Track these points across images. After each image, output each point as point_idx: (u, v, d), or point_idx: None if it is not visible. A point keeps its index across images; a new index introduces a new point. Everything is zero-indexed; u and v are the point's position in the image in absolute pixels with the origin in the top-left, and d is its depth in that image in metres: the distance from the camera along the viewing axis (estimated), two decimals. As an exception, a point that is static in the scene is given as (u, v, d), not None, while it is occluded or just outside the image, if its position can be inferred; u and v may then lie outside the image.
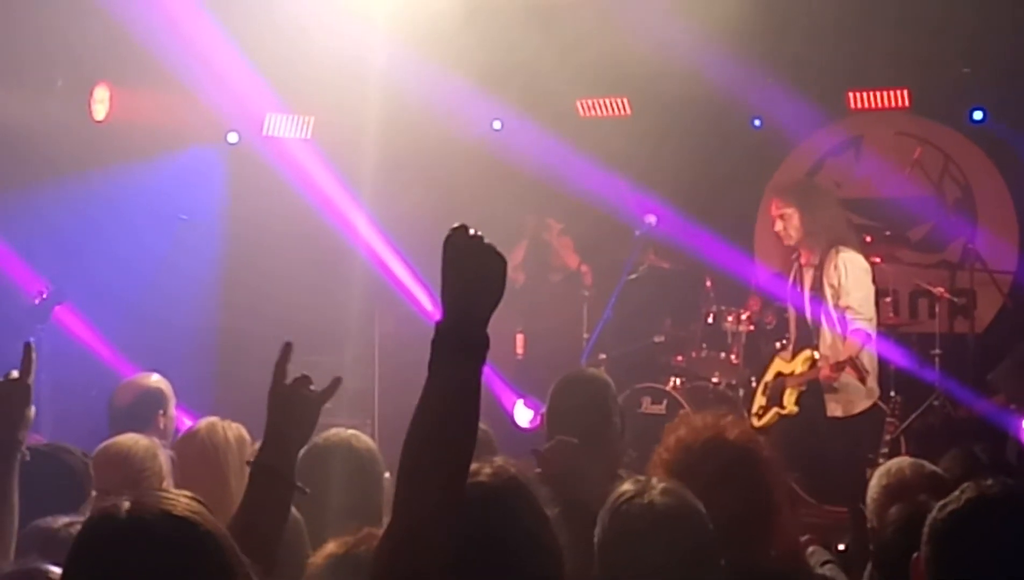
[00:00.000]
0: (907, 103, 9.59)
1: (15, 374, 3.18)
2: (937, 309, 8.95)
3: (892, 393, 8.18)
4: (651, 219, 8.00)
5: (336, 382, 2.82)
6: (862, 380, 7.82)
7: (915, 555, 2.54)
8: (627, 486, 2.95)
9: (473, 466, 2.50)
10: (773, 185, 8.06)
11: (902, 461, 4.07)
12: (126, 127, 9.22)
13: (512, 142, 9.53)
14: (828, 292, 7.97)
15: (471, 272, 2.27)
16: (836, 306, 7.93)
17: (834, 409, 8.03)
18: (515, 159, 9.35)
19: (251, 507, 2.66)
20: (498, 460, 2.57)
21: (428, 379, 2.27)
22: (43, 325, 7.32)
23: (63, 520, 3.15)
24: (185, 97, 9.02)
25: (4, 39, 8.01)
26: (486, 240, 2.29)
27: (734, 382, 8.76)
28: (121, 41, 8.25)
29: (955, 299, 9.04)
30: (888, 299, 9.02)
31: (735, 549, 3.13)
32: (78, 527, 3.04)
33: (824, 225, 8.02)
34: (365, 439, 4.00)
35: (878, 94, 9.61)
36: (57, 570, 2.61)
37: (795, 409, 8.02)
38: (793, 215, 7.98)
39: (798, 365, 8.11)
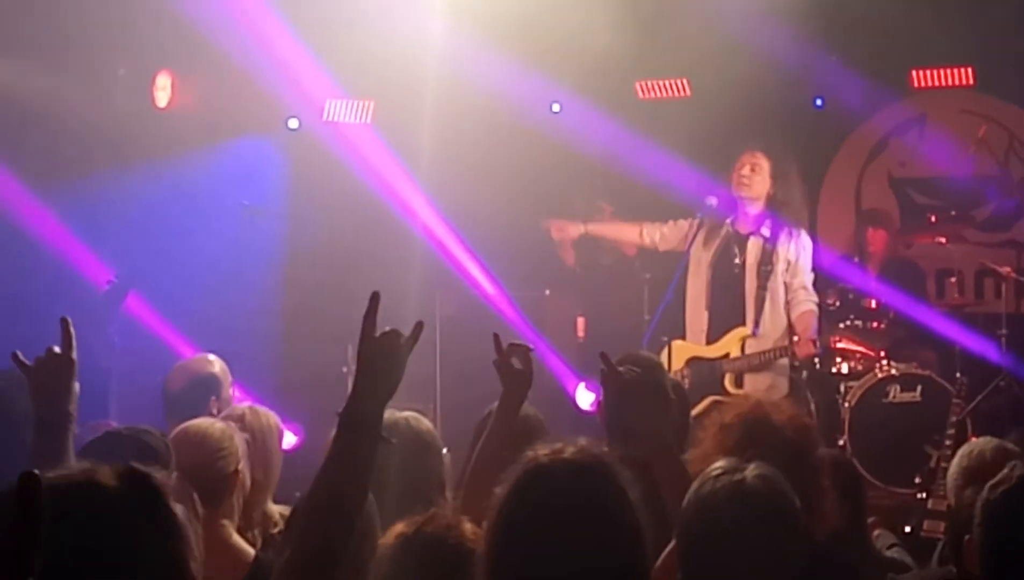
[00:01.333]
0: (971, 81, 9.49)
1: (56, 349, 3.20)
2: (1003, 289, 8.85)
3: (958, 374, 8.10)
4: (712, 201, 7.90)
5: (419, 327, 2.84)
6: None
7: (967, 537, 2.52)
8: (721, 462, 2.95)
9: (556, 446, 2.54)
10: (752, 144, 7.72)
11: (984, 443, 4.02)
12: (188, 114, 9.30)
13: (571, 125, 9.51)
14: (780, 267, 7.51)
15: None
16: (788, 283, 7.52)
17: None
18: (574, 142, 9.33)
19: (337, 460, 2.66)
20: (581, 440, 2.58)
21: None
22: (116, 312, 7.41)
23: None
24: (246, 84, 9.07)
25: (67, 30, 8.10)
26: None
27: (796, 363, 8.68)
28: (182, 29, 8.32)
29: (1022, 278, 8.93)
30: (953, 279, 8.94)
31: None
32: None
33: (790, 197, 7.59)
34: (424, 421, 4.02)
35: (942, 72, 9.52)
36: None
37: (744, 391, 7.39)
38: (765, 166, 7.55)
39: (731, 346, 7.54)
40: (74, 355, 3.20)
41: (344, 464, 2.64)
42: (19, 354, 3.23)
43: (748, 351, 7.54)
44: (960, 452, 3.99)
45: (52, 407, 3.17)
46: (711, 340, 7.63)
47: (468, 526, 2.98)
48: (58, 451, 3.11)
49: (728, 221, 7.67)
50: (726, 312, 7.60)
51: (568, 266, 10.03)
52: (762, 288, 7.52)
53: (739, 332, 7.57)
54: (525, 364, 3.87)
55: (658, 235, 8.02)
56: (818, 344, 7.53)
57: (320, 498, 2.62)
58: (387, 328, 2.82)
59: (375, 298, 2.82)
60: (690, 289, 7.69)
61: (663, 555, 2.85)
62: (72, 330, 3.21)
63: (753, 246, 7.60)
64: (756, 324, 7.52)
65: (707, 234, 7.68)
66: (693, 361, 7.62)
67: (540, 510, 2.47)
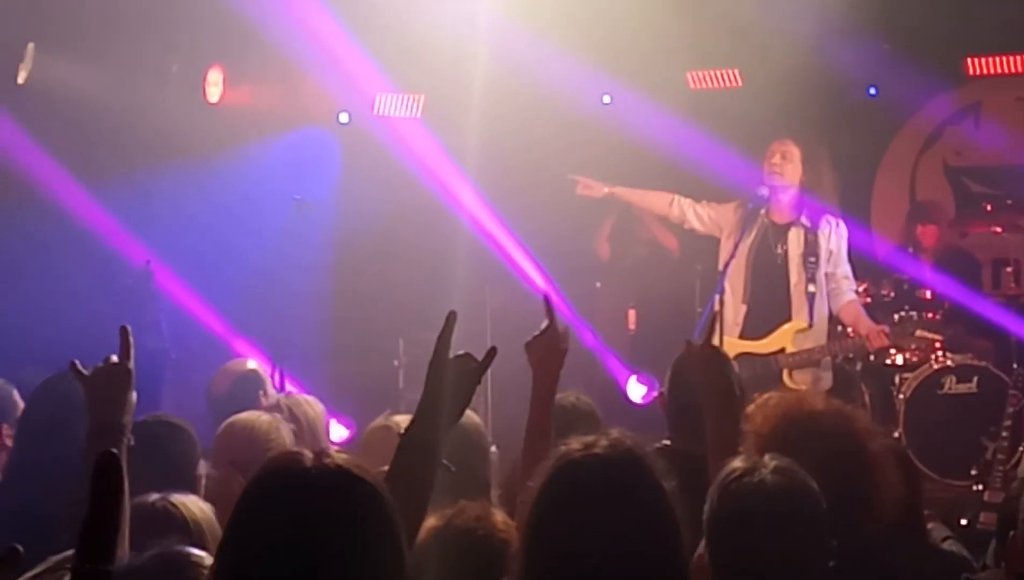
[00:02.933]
0: (1027, 68, 9.41)
1: (115, 358, 3.13)
2: (1061, 279, 8.77)
3: (1014, 365, 8.00)
4: (764, 191, 7.83)
5: (492, 353, 2.81)
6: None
7: (1012, 534, 2.47)
8: (737, 463, 2.89)
9: (589, 438, 2.52)
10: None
11: None
12: (240, 109, 9.34)
13: (622, 116, 9.47)
14: (823, 257, 7.38)
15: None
16: (830, 274, 7.40)
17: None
18: (626, 134, 9.29)
19: (395, 481, 2.62)
20: (614, 432, 2.57)
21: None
22: (147, 293, 7.48)
23: (155, 496, 3.18)
24: (297, 78, 9.11)
25: (119, 26, 8.15)
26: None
27: (851, 355, 8.62)
28: (234, 24, 8.35)
29: (1079, 268, 8.84)
30: (1010, 269, 8.86)
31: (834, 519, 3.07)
32: (170, 502, 3.10)
33: (819, 179, 7.48)
34: (470, 414, 4.01)
35: (997, 60, 9.43)
36: (199, 552, 2.65)
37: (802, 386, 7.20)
38: (796, 153, 7.42)
39: (784, 341, 7.37)
40: (131, 365, 3.12)
41: (401, 488, 2.60)
42: (77, 363, 3.16)
43: (802, 345, 7.43)
44: None
45: (106, 417, 3.08)
46: (751, 334, 7.46)
47: (499, 517, 2.97)
48: None
49: (763, 211, 7.52)
50: (767, 305, 7.45)
51: (605, 259, 10.02)
52: (810, 280, 7.40)
53: (793, 326, 7.42)
54: (563, 334, 3.80)
55: (692, 213, 7.86)
56: (891, 335, 7.43)
57: None
58: (461, 351, 2.76)
59: (452, 318, 2.77)
60: (727, 281, 7.45)
61: (695, 557, 2.83)
62: (131, 339, 3.13)
63: (795, 237, 7.46)
64: (811, 317, 7.42)
65: (744, 224, 7.55)
66: (742, 357, 7.31)
67: (572, 506, 2.46)
